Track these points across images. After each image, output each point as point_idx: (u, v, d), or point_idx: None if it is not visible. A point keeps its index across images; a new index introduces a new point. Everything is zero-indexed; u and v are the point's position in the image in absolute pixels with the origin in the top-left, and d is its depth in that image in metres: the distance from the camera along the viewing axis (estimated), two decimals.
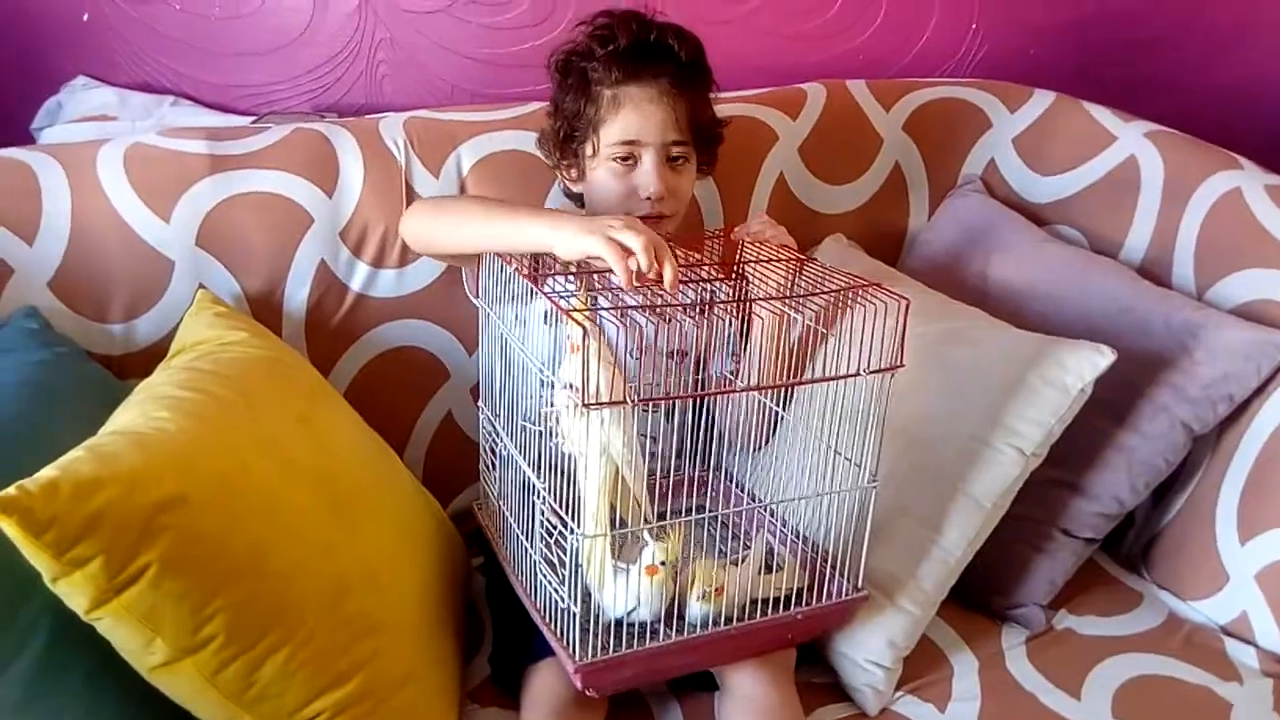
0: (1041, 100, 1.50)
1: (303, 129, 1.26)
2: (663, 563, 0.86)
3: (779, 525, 1.08)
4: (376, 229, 1.22)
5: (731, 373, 1.17)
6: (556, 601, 0.89)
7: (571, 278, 0.98)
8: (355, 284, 1.23)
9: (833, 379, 0.91)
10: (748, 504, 1.11)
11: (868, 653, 1.03)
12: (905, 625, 1.03)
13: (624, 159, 1.11)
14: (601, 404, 0.80)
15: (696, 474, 1.17)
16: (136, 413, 0.90)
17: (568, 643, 0.88)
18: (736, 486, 1.15)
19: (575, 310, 0.85)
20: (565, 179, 1.21)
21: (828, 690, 1.07)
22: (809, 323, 0.99)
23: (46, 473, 0.76)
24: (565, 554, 0.86)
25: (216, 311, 1.11)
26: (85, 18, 1.85)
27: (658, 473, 1.14)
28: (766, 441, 1.10)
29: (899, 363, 0.91)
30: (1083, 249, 1.35)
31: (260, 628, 0.82)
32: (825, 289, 0.96)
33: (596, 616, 0.89)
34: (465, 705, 1.02)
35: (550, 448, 0.88)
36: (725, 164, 1.38)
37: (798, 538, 1.03)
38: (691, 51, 1.13)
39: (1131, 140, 1.40)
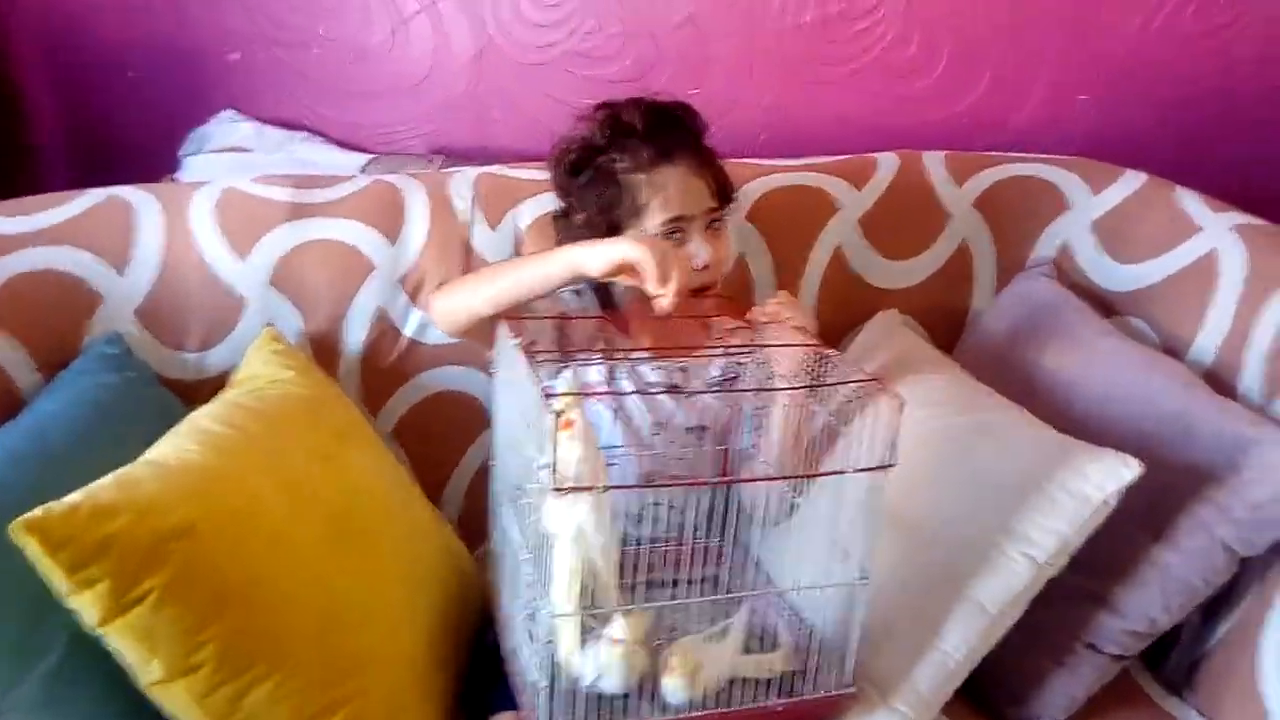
0: (1129, 182, 1.43)
1: (381, 181, 1.34)
2: (619, 640, 0.87)
3: (785, 605, 1.07)
4: (434, 279, 1.29)
5: (753, 447, 1.17)
6: (530, 670, 0.92)
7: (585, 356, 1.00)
8: (409, 330, 1.30)
9: (819, 475, 0.90)
10: (736, 591, 1.11)
11: None
12: None
13: (671, 235, 1.13)
14: (570, 489, 0.81)
15: (717, 545, 1.18)
16: (170, 443, 0.98)
17: (536, 712, 0.90)
18: (753, 561, 1.15)
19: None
20: None
21: None
22: (828, 417, 0.99)
23: (73, 496, 0.85)
24: (537, 626, 0.89)
25: (274, 349, 1.20)
26: (236, 56, 2.03)
27: (682, 540, 1.15)
28: (779, 523, 1.10)
29: (890, 462, 0.89)
30: (1148, 345, 1.27)
31: (249, 657, 0.88)
32: (825, 380, 0.95)
33: (567, 688, 0.90)
34: None
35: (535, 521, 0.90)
36: (781, 233, 1.39)
37: (800, 621, 1.02)
38: (698, 122, 1.18)
39: (1216, 232, 1.31)
